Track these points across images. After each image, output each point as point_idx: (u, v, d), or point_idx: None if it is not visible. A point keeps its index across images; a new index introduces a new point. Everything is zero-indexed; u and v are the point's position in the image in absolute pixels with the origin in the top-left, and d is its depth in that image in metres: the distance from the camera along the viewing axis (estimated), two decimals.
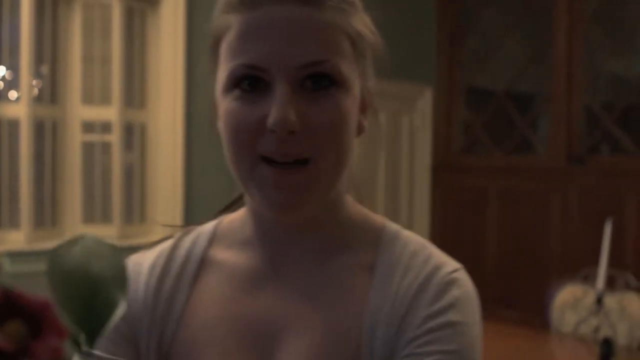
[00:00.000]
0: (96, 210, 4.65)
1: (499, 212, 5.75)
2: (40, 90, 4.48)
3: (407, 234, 0.87)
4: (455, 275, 0.83)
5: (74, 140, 4.60)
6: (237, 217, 0.92)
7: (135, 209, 4.82)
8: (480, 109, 6.07)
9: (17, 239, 4.33)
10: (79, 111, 4.59)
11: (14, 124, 4.29)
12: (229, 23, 0.78)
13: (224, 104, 0.78)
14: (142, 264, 0.90)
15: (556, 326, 3.18)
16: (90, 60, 4.62)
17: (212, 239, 0.91)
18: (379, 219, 0.89)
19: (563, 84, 5.33)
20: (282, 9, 0.73)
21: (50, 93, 4.53)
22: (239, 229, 0.89)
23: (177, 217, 4.84)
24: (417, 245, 0.84)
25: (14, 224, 4.35)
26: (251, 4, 0.74)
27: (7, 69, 4.30)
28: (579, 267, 3.85)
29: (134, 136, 4.80)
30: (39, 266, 4.23)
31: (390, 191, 6.07)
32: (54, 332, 0.49)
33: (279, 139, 0.72)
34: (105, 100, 4.63)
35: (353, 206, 0.87)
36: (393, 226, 0.88)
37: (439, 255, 0.84)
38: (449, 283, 0.81)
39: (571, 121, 5.32)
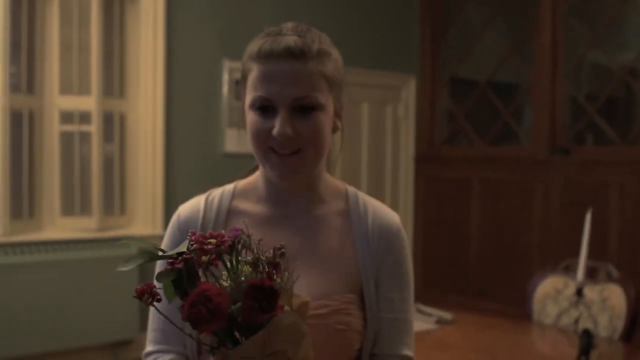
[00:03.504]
0: (75, 202, 4.59)
1: (481, 203, 5.74)
2: (16, 80, 4.40)
3: (360, 192, 1.43)
4: (400, 224, 1.41)
5: (52, 131, 4.54)
6: (249, 181, 1.40)
7: (115, 200, 4.76)
8: (463, 99, 6.05)
9: None
10: (56, 101, 4.52)
11: None
12: (252, 67, 1.26)
13: (249, 116, 1.28)
14: (190, 215, 1.36)
15: (537, 318, 3.16)
16: (69, 49, 4.55)
17: (234, 196, 1.38)
18: (341, 182, 1.43)
19: (546, 74, 5.31)
20: (281, 64, 1.23)
21: (27, 82, 4.45)
22: (253, 190, 1.38)
23: (158, 208, 4.79)
24: (370, 200, 1.42)
25: None
26: (265, 59, 1.24)
27: None
28: (562, 258, 3.83)
29: (113, 126, 4.73)
30: (17, 258, 4.18)
31: (374, 181, 6.04)
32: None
33: (280, 142, 1.23)
34: (83, 89, 4.56)
35: (326, 175, 1.39)
36: (351, 187, 1.43)
37: (385, 208, 1.43)
38: (400, 229, 1.39)
39: (554, 111, 5.30)
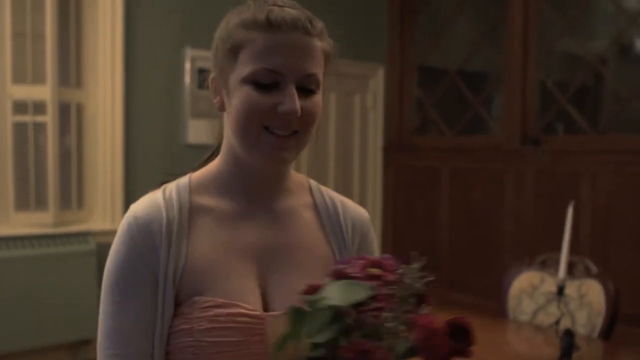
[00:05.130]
0: (30, 196, 4.38)
1: (452, 194, 5.64)
2: None
3: (321, 185, 1.35)
4: (369, 218, 1.36)
5: (5, 121, 4.32)
6: (206, 173, 1.25)
7: (72, 193, 4.56)
8: (432, 88, 5.94)
9: None
10: (9, 90, 4.31)
11: None
12: (252, 37, 1.13)
13: (242, 91, 1.13)
14: (150, 214, 1.17)
15: (513, 314, 3.05)
16: (22, 37, 4.33)
17: (190, 190, 1.22)
18: (302, 175, 1.34)
19: (517, 62, 5.21)
20: (292, 35, 1.13)
21: None
22: (212, 182, 1.23)
23: (117, 201, 4.61)
24: (333, 193, 1.34)
25: None
26: (275, 28, 1.12)
27: None
28: (534, 249, 3.73)
29: (70, 117, 4.53)
30: None
31: (342, 171, 5.91)
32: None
33: (288, 120, 1.12)
34: (38, 78, 4.35)
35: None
36: (312, 180, 1.34)
37: (352, 202, 1.36)
38: (370, 223, 1.35)
39: (525, 100, 5.21)
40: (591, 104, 5.38)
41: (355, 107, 6.03)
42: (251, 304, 1.14)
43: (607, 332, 2.73)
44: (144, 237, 1.15)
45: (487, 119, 5.65)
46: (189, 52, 4.87)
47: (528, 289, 2.98)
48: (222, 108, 1.20)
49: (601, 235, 4.64)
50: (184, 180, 1.24)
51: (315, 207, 1.29)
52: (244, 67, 1.13)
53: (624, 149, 4.68)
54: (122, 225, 1.18)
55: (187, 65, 4.89)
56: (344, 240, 1.27)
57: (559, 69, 5.47)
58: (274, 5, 1.16)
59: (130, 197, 4.65)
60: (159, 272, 1.14)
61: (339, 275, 0.90)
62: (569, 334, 2.13)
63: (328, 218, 1.28)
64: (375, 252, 1.32)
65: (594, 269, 2.94)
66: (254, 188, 1.22)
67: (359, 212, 1.33)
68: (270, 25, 1.13)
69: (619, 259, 4.51)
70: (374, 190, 6.11)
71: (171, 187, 1.22)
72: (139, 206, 1.19)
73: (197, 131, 4.91)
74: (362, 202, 6.08)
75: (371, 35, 6.00)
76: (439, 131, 5.91)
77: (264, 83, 1.12)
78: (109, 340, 1.13)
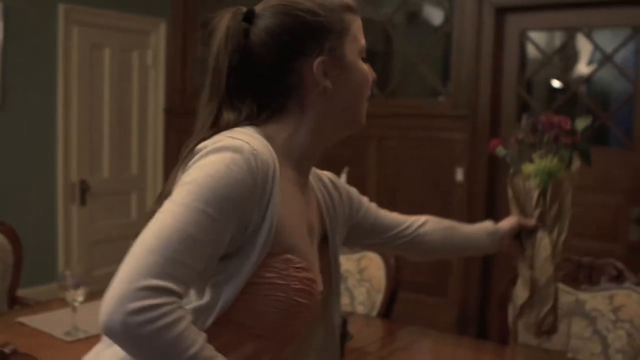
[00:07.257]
0: None
1: None
2: None
3: None
4: None
5: None
6: (284, 139, 1.22)
7: None
8: None
9: None
10: None
11: None
12: (350, 19, 1.28)
13: (361, 65, 1.29)
14: (269, 161, 1.13)
15: None
16: None
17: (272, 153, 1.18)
18: None
19: None
20: None
21: None
22: (285, 150, 1.21)
23: None
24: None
25: None
26: (356, 12, 1.30)
27: None
28: None
29: None
30: None
31: (118, 134, 5.38)
32: None
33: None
34: None
35: None
36: None
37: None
38: None
39: None
40: (381, 68, 5.28)
41: (134, 65, 5.50)
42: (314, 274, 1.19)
43: (387, 309, 2.50)
44: (262, 176, 1.10)
45: None
46: None
47: None
48: (326, 90, 1.22)
49: (388, 197, 4.53)
50: (261, 139, 1.17)
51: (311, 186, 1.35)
52: (357, 44, 1.28)
53: (409, 112, 4.63)
54: (238, 149, 1.09)
55: None
56: (336, 218, 1.41)
57: None
58: None
59: None
60: (264, 216, 1.11)
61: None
62: (342, 322, 1.85)
63: (322, 197, 1.39)
64: None
65: None
66: (311, 164, 1.28)
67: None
68: (355, 10, 1.29)
69: None
70: (154, 156, 5.65)
71: (258, 137, 1.16)
72: (255, 143, 1.12)
73: None
74: (142, 169, 5.60)
75: None
76: None
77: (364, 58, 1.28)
78: (183, 245, 1.02)
